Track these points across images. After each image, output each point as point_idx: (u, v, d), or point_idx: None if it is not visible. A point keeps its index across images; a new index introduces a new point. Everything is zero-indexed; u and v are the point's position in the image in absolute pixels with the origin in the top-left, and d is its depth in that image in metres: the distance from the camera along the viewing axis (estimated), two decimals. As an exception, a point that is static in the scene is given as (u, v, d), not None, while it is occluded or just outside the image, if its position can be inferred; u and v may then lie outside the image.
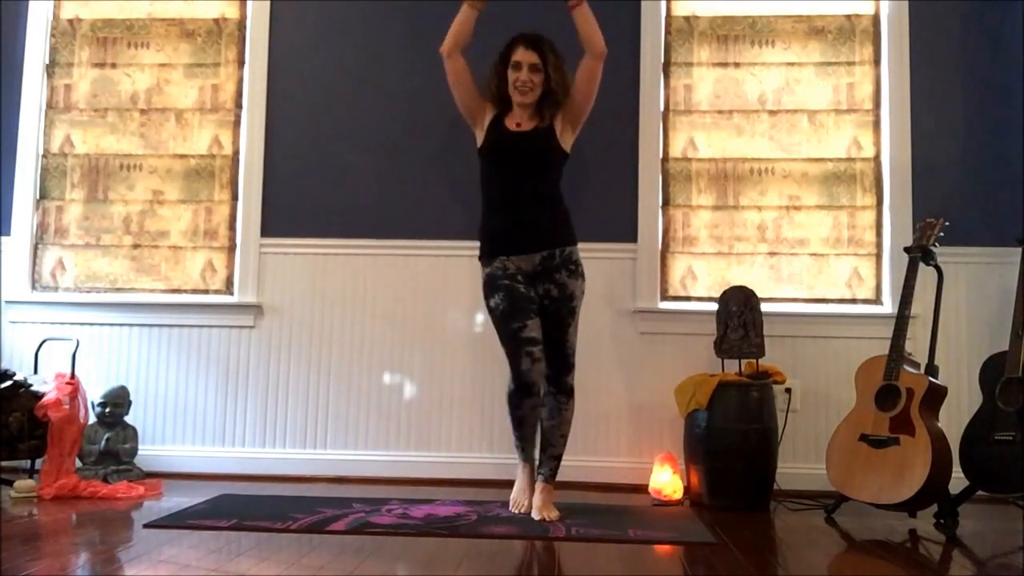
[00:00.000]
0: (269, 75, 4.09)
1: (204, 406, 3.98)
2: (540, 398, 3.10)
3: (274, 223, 4.03)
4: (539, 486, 3.13)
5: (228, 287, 4.07)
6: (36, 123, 4.14)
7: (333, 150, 4.06)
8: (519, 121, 3.19)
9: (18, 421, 3.44)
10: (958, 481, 3.12)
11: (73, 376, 3.56)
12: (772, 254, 3.97)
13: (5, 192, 4.09)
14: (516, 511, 3.11)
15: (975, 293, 3.83)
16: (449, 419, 3.91)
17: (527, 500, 3.13)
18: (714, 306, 3.73)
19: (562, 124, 3.20)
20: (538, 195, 3.14)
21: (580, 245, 3.90)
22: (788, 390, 3.71)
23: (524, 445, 3.19)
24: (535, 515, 3.03)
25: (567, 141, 3.22)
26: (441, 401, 3.92)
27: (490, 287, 3.11)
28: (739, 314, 3.62)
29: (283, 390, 3.97)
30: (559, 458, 3.15)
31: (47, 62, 4.19)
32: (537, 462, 3.19)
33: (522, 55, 3.15)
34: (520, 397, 3.07)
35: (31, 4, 4.17)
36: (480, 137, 3.23)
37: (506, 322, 3.06)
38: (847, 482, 3.18)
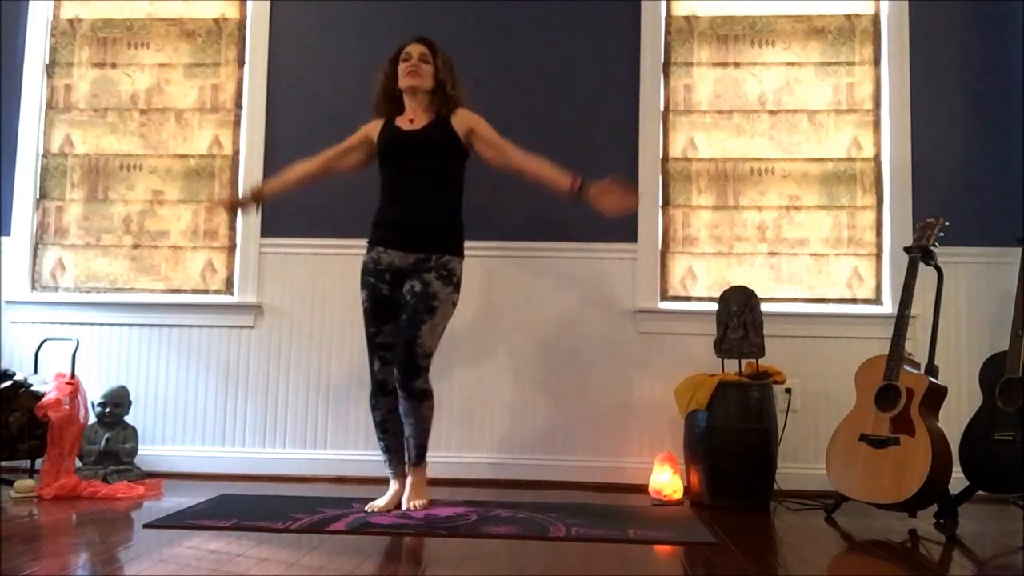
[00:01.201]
0: (269, 75, 4.10)
1: (204, 406, 3.98)
2: (396, 400, 3.14)
3: (274, 223, 4.03)
4: (408, 471, 3.17)
5: (228, 287, 4.07)
6: (36, 123, 4.14)
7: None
8: (412, 117, 3.24)
9: (18, 421, 3.44)
10: (958, 481, 3.11)
11: (73, 376, 3.56)
12: (772, 254, 3.97)
13: (5, 192, 4.10)
14: (368, 509, 3.08)
15: (975, 293, 3.83)
16: (449, 419, 3.91)
17: (385, 505, 3.12)
18: (714, 306, 3.73)
19: (462, 131, 3.22)
20: (428, 196, 3.16)
21: (580, 245, 3.93)
22: (788, 390, 3.71)
23: (389, 457, 3.22)
24: (404, 504, 3.08)
25: (465, 140, 3.23)
26: (440, 401, 3.90)
27: (361, 279, 3.21)
28: (739, 314, 3.62)
29: (283, 390, 3.97)
30: (423, 446, 3.17)
31: (47, 62, 4.19)
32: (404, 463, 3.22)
33: (412, 48, 3.25)
34: (375, 396, 3.19)
35: (31, 4, 4.17)
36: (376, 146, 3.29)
37: (366, 323, 3.19)
38: (847, 482, 3.18)
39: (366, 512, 3.06)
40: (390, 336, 3.16)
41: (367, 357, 3.22)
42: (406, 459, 3.20)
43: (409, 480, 3.18)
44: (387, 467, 3.25)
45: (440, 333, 3.14)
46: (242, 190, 3.95)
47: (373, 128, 3.31)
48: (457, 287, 3.17)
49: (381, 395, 3.18)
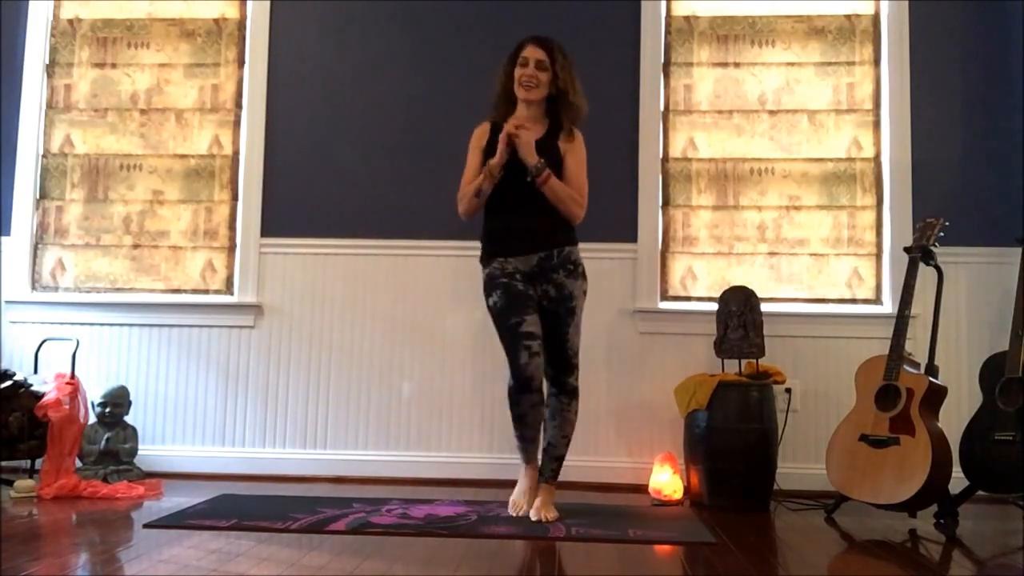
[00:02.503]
0: (269, 75, 4.09)
1: (204, 406, 3.98)
2: (540, 395, 3.07)
3: (274, 223, 4.03)
4: (540, 487, 3.12)
5: (228, 287, 4.07)
6: (36, 123, 4.14)
7: (333, 150, 4.06)
8: (524, 125, 3.13)
9: (18, 421, 3.44)
10: (958, 481, 3.11)
11: (73, 376, 3.56)
12: (772, 254, 3.97)
13: (5, 192, 4.10)
14: (514, 513, 3.09)
15: (975, 293, 3.83)
16: (449, 419, 3.91)
17: (527, 503, 3.11)
18: (714, 306, 3.73)
19: (562, 151, 3.14)
20: (534, 202, 3.09)
21: (580, 245, 3.92)
22: (788, 390, 3.71)
23: (526, 445, 3.16)
24: (532, 515, 3.02)
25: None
26: (441, 401, 3.92)
27: (489, 286, 3.11)
28: (739, 314, 3.62)
29: (283, 390, 3.97)
30: (561, 459, 3.13)
31: (47, 62, 4.19)
32: (540, 463, 3.18)
33: (530, 51, 3.12)
34: (519, 393, 3.04)
35: (31, 4, 4.17)
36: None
37: (504, 317, 3.05)
38: (847, 482, 3.18)
39: (511, 515, 3.04)
40: (533, 325, 3.02)
41: (507, 354, 3.03)
42: (543, 473, 3.13)
43: (541, 494, 3.09)
44: (521, 454, 3.17)
45: (581, 326, 3.12)
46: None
47: (482, 136, 3.18)
48: (584, 275, 3.13)
49: (526, 392, 3.02)
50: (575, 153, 3.15)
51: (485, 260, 3.16)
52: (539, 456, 3.18)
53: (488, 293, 3.11)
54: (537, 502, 3.07)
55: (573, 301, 3.09)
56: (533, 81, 3.10)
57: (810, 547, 2.78)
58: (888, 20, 3.98)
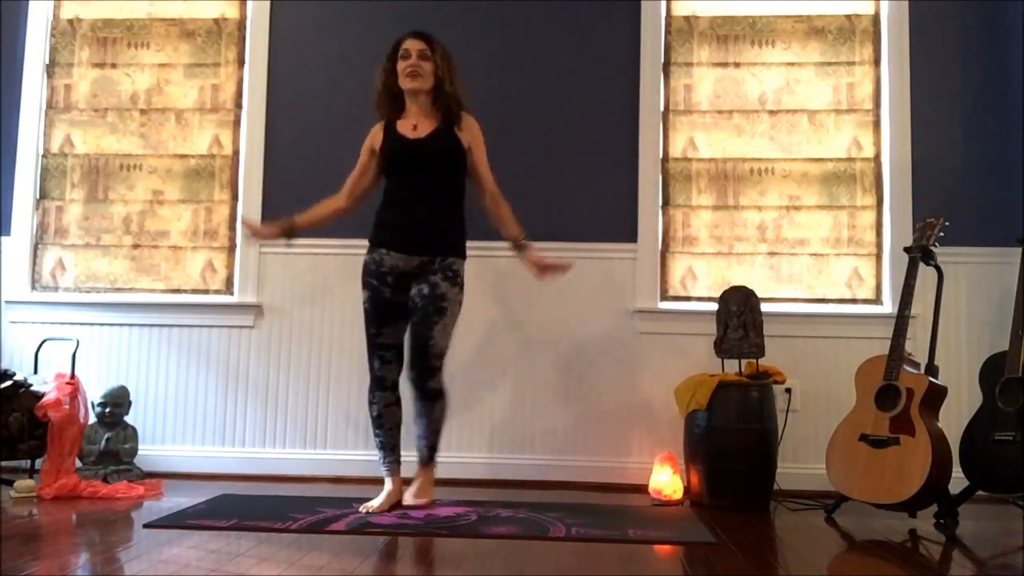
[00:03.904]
0: (269, 75, 4.10)
1: (204, 406, 3.98)
2: (393, 395, 3.20)
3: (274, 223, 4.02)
4: (418, 471, 3.19)
5: (228, 287, 4.07)
6: (36, 123, 4.14)
7: (333, 150, 4.05)
8: (416, 123, 3.20)
9: (18, 421, 3.44)
10: (958, 481, 3.11)
11: (73, 376, 3.56)
12: (772, 254, 3.97)
13: (5, 192, 4.10)
14: (362, 511, 3.06)
15: (975, 293, 3.83)
16: (449, 419, 3.89)
17: (380, 506, 3.10)
18: (714, 306, 3.73)
19: (465, 142, 3.20)
20: (432, 200, 3.14)
21: (580, 245, 3.94)
22: (788, 390, 3.71)
23: (384, 454, 3.23)
24: (406, 499, 3.10)
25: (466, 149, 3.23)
26: (441, 401, 3.92)
27: (363, 280, 3.21)
28: (739, 314, 3.62)
29: (283, 390, 3.97)
30: (434, 445, 3.20)
31: (47, 62, 4.19)
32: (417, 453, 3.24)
33: (410, 44, 3.19)
34: (372, 391, 3.21)
35: (31, 4, 4.17)
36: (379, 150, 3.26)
37: (367, 324, 3.20)
38: (847, 482, 3.18)
39: (361, 513, 3.05)
40: (390, 338, 3.19)
41: (367, 354, 3.24)
42: (417, 458, 3.21)
43: (417, 480, 3.19)
44: (381, 465, 3.25)
45: (451, 333, 3.16)
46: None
47: (375, 137, 3.28)
48: (462, 287, 3.19)
49: (379, 390, 3.21)
50: (478, 144, 3.23)
51: (370, 245, 3.22)
52: (399, 472, 3.24)
53: (362, 286, 3.20)
54: (414, 486, 3.15)
55: (445, 302, 3.12)
56: (418, 70, 3.15)
57: (810, 547, 2.78)
58: (888, 20, 3.98)
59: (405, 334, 3.21)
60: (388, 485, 3.21)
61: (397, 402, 3.24)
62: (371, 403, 3.23)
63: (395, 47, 3.22)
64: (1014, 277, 3.33)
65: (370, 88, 4.06)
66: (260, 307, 4.00)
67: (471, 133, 3.21)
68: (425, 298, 3.10)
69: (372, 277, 3.18)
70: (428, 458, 3.22)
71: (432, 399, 3.14)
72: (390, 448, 3.24)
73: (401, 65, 3.18)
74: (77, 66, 4.20)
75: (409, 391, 3.18)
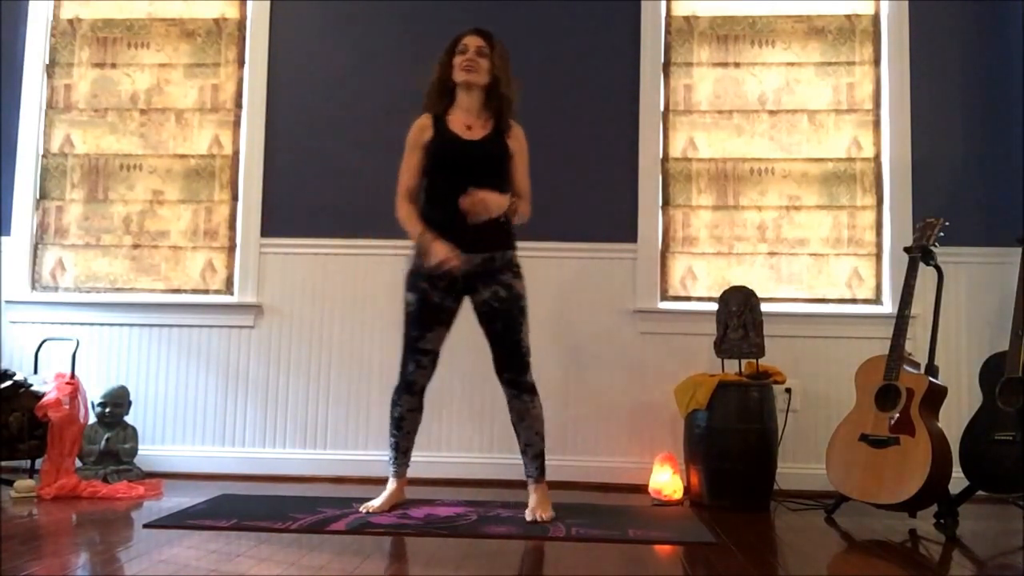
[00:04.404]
0: (269, 75, 4.09)
1: (204, 406, 3.98)
2: (419, 400, 3.15)
3: (274, 223, 4.03)
4: (530, 487, 3.11)
5: (228, 287, 4.07)
6: (36, 123, 4.14)
7: (333, 150, 4.06)
8: (469, 122, 3.12)
9: (18, 421, 3.44)
10: (958, 481, 3.11)
11: (73, 376, 3.56)
12: (772, 254, 3.97)
13: (5, 192, 4.10)
14: (363, 511, 3.06)
15: (975, 293, 3.83)
16: (449, 419, 3.91)
17: (382, 505, 3.10)
18: (714, 306, 3.73)
19: (512, 150, 3.14)
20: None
21: (580, 245, 3.95)
22: (788, 390, 3.71)
23: (397, 456, 3.20)
24: (528, 515, 3.01)
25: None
26: (441, 401, 3.91)
27: (410, 282, 3.10)
28: (739, 314, 3.62)
29: (283, 390, 3.97)
30: (542, 455, 3.12)
31: (47, 62, 4.19)
32: (523, 465, 3.15)
33: (469, 40, 3.14)
34: (400, 393, 3.14)
35: (31, 4, 4.17)
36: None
37: (409, 326, 3.11)
38: (847, 482, 3.18)
39: (361, 513, 3.05)
40: (432, 343, 3.11)
41: (401, 357, 3.13)
42: (529, 477, 3.12)
43: (534, 494, 3.09)
44: (391, 465, 3.22)
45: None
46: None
47: (421, 132, 3.16)
48: (523, 278, 3.13)
49: (407, 394, 3.14)
50: (522, 153, 3.17)
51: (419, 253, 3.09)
52: (406, 471, 3.22)
53: (407, 288, 3.11)
54: (532, 502, 3.06)
55: (523, 301, 3.09)
56: (474, 65, 3.10)
57: (810, 547, 2.78)
58: (888, 20, 3.98)
59: (443, 342, 3.14)
60: (391, 485, 3.20)
61: (420, 408, 3.18)
62: (395, 404, 3.17)
63: (454, 41, 3.16)
64: (1014, 277, 3.33)
65: (371, 87, 4.09)
66: (260, 307, 4.00)
67: (518, 142, 3.15)
68: (505, 301, 3.06)
69: (422, 280, 3.08)
70: (538, 474, 3.10)
71: (531, 393, 3.08)
72: (403, 451, 3.21)
73: (458, 59, 3.12)
74: (77, 66, 4.20)
75: (506, 394, 3.10)
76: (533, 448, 3.11)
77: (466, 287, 3.10)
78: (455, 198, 2.99)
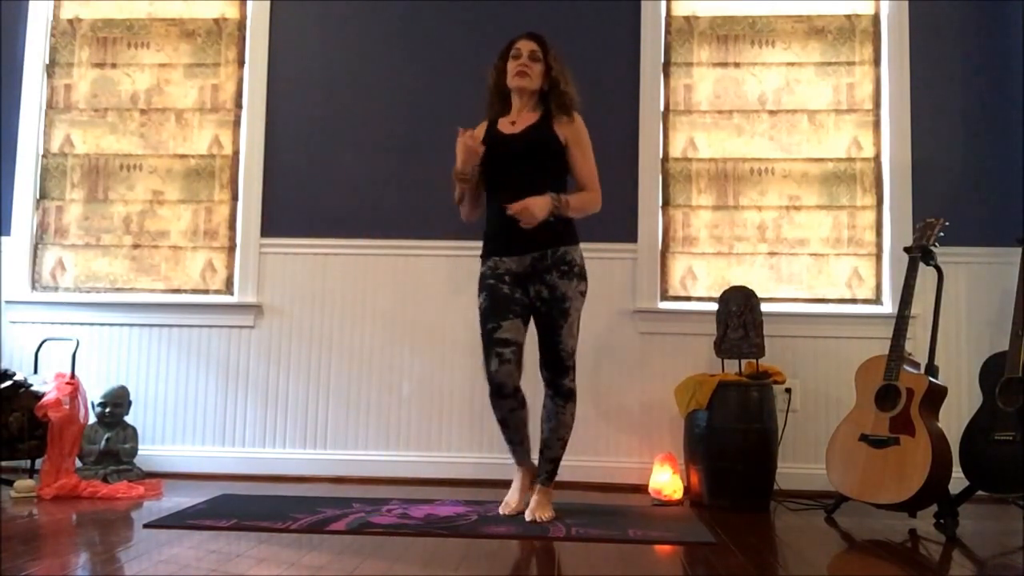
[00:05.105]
0: (269, 75, 4.09)
1: (204, 406, 3.98)
2: (516, 400, 3.07)
3: (274, 223, 4.03)
4: (536, 488, 3.12)
5: (228, 287, 4.07)
6: (36, 123, 4.14)
7: (333, 150, 4.06)
8: (514, 119, 3.15)
9: (18, 421, 3.44)
10: (958, 481, 3.12)
11: (73, 376, 3.56)
12: (772, 254, 3.97)
13: (5, 192, 4.10)
14: (504, 512, 3.09)
15: (975, 293, 3.83)
16: (449, 419, 3.91)
17: (517, 503, 3.12)
18: (714, 306, 3.73)
19: (563, 136, 3.12)
20: (530, 193, 3.00)
21: (580, 244, 3.93)
22: (788, 390, 3.71)
23: (513, 448, 3.19)
24: (527, 515, 3.02)
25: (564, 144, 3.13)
26: (441, 401, 3.92)
27: (480, 286, 3.12)
28: (739, 314, 3.62)
29: (283, 390, 3.97)
30: (556, 461, 3.12)
31: (47, 62, 4.19)
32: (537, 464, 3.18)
33: (523, 44, 3.14)
34: (494, 398, 3.07)
35: (31, 4, 4.17)
36: None
37: (484, 321, 3.07)
38: (847, 482, 3.18)
39: (500, 514, 3.06)
40: (510, 332, 3.02)
41: (483, 359, 3.07)
42: (532, 465, 3.15)
43: (537, 495, 3.09)
44: (512, 455, 3.20)
45: (578, 328, 3.07)
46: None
47: (481, 133, 3.17)
48: (582, 276, 3.09)
49: (499, 398, 3.05)
50: (579, 143, 3.13)
51: (483, 259, 3.16)
52: (531, 457, 3.20)
53: (478, 293, 3.12)
54: (532, 503, 3.06)
55: (567, 303, 3.04)
56: (526, 69, 3.10)
57: (810, 547, 2.78)
58: (888, 20, 3.98)
59: (524, 338, 3.08)
60: (516, 476, 3.19)
61: (521, 406, 3.10)
62: (495, 408, 3.09)
63: (508, 46, 3.16)
64: (1014, 277, 3.33)
65: (371, 87, 4.09)
66: (260, 307, 4.00)
67: (571, 129, 3.11)
68: (547, 302, 3.03)
69: (489, 279, 3.08)
70: (548, 479, 3.10)
71: (565, 397, 3.06)
72: (518, 442, 3.16)
73: (511, 64, 3.13)
74: (77, 66, 4.20)
75: (545, 391, 3.10)
76: (551, 451, 3.10)
77: (523, 285, 3.08)
78: (503, 197, 3.01)
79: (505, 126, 3.16)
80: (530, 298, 3.08)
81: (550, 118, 3.12)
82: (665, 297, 3.96)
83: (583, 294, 3.10)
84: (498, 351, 3.00)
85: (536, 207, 2.96)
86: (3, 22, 4.16)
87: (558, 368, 3.06)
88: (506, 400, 3.05)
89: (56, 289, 4.11)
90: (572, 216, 3.08)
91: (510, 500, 3.15)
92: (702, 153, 4.02)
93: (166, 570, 2.28)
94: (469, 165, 3.05)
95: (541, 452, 3.13)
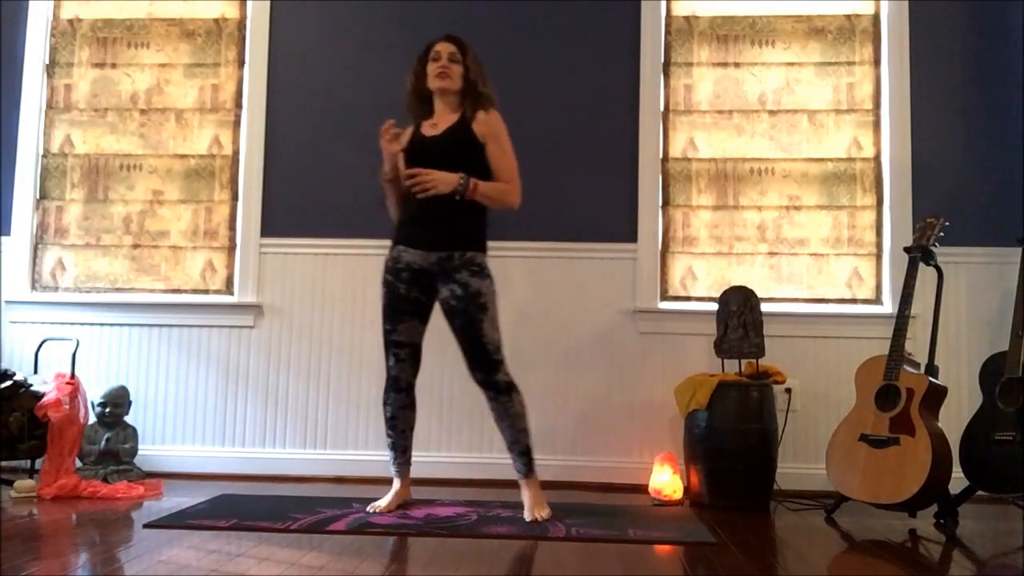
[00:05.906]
0: (269, 75, 4.10)
1: (204, 406, 3.98)
2: (408, 397, 3.17)
3: (274, 223, 4.03)
4: (521, 484, 3.11)
5: (228, 287, 4.07)
6: (36, 123, 4.14)
7: (333, 150, 4.06)
8: (436, 121, 3.17)
9: (18, 421, 3.44)
10: (958, 481, 3.12)
11: (73, 376, 3.56)
12: (772, 254, 3.97)
13: (5, 192, 4.10)
14: (371, 510, 3.08)
15: (975, 293, 3.83)
16: (448, 419, 3.91)
17: (387, 504, 3.12)
18: (714, 306, 3.73)
19: (481, 135, 3.13)
20: (446, 195, 3.05)
21: (580, 245, 3.95)
22: (788, 390, 3.71)
23: (396, 455, 3.21)
24: (526, 516, 3.01)
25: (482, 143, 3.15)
26: (440, 401, 3.92)
27: (382, 277, 3.17)
28: (739, 314, 3.62)
29: (283, 390, 3.97)
30: (529, 451, 3.11)
31: (47, 62, 4.19)
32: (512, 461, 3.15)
33: (441, 47, 3.17)
34: (387, 391, 3.17)
35: (31, 4, 4.17)
36: None
37: (383, 320, 3.16)
38: (847, 482, 3.18)
39: (367, 513, 3.05)
40: (404, 335, 3.13)
41: (384, 353, 3.18)
42: (518, 473, 3.12)
43: (526, 490, 3.09)
44: (392, 465, 3.23)
45: (498, 324, 3.09)
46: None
47: (407, 136, 3.21)
48: (492, 278, 3.11)
49: (393, 391, 3.16)
50: (495, 137, 3.14)
51: (392, 243, 3.19)
52: (409, 473, 3.25)
53: (381, 283, 3.18)
54: (527, 502, 3.07)
55: (482, 298, 3.05)
56: (447, 71, 3.13)
57: (810, 547, 2.78)
58: (888, 20, 3.98)
59: (422, 336, 3.18)
60: (396, 485, 3.22)
61: (411, 405, 3.20)
62: (385, 404, 3.19)
63: (426, 49, 3.19)
64: (1014, 277, 3.33)
65: (371, 87, 4.09)
66: (260, 307, 4.00)
67: (487, 127, 3.13)
68: (462, 299, 3.04)
69: (389, 273, 3.15)
70: (527, 470, 3.09)
71: (506, 392, 3.06)
72: (401, 450, 3.22)
73: (431, 67, 3.16)
74: (77, 66, 4.20)
75: (483, 396, 3.10)
76: (519, 445, 3.10)
77: (429, 284, 3.12)
78: (416, 196, 3.07)
79: (427, 128, 3.19)
80: (435, 298, 3.12)
81: (468, 118, 3.14)
82: (665, 297, 3.96)
83: (495, 295, 3.11)
84: (394, 351, 3.15)
85: (440, 179, 3.02)
86: (3, 22, 4.16)
87: (487, 364, 3.06)
88: (399, 394, 3.16)
89: (56, 289, 4.11)
90: (481, 202, 3.08)
91: (381, 503, 3.13)
92: (702, 153, 4.02)
93: (166, 570, 2.28)
94: (389, 165, 3.14)
95: (510, 449, 3.12)
